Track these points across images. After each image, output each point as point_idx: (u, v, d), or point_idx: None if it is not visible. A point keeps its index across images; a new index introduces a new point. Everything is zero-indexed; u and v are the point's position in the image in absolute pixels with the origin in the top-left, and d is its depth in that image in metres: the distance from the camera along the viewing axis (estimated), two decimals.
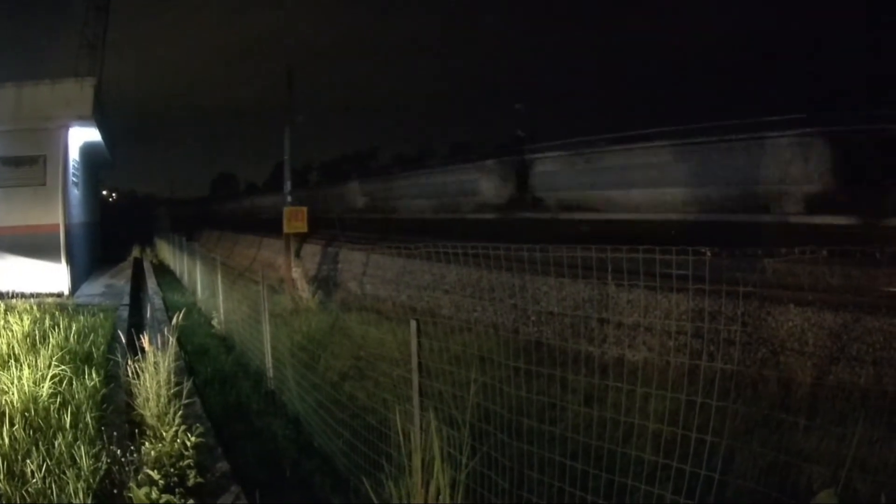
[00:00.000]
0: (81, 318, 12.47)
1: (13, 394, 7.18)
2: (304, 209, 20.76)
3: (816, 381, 8.27)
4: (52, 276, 19.43)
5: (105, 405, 7.74)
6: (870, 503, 4.91)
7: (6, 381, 7.53)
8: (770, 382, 8.47)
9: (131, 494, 5.43)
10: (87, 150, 25.04)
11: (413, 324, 5.12)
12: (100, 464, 5.77)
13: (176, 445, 6.34)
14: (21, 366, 8.14)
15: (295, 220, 20.32)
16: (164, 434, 6.54)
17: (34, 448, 5.92)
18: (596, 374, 6.51)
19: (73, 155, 22.05)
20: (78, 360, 9.20)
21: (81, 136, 22.35)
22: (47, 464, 5.60)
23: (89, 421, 6.70)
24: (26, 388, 7.37)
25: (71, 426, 6.51)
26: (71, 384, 7.82)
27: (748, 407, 6.93)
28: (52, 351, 9.08)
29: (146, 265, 32.02)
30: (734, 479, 5.07)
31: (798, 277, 10.45)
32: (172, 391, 7.61)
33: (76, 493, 5.25)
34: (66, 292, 19.49)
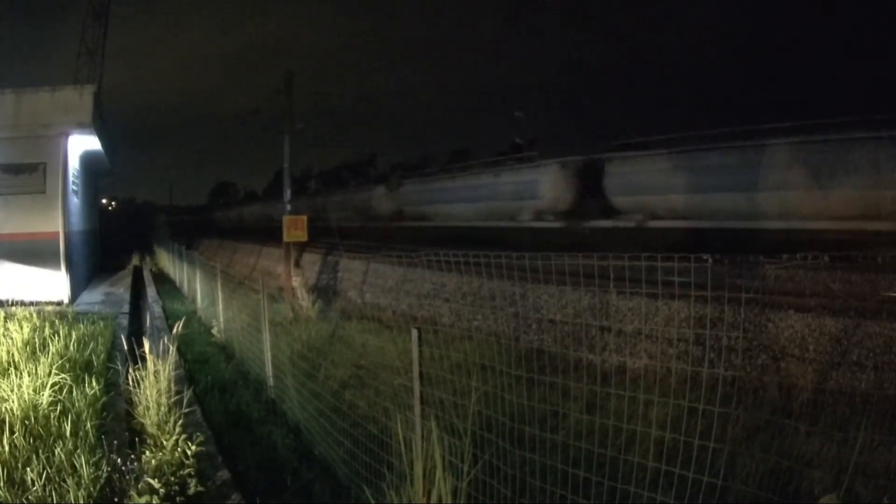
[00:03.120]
0: (81, 326, 12.45)
1: (13, 402, 7.15)
2: (304, 218, 20.74)
3: (818, 385, 8.28)
4: (51, 284, 19.38)
5: (105, 413, 7.72)
6: None
7: (6, 389, 7.51)
8: (770, 388, 8.47)
9: (132, 503, 5.42)
10: (87, 158, 25.04)
11: (414, 332, 5.11)
12: (100, 472, 5.75)
13: (176, 454, 6.32)
14: (21, 374, 8.11)
15: (294, 228, 20.30)
16: (165, 442, 6.52)
17: (34, 456, 5.90)
18: (598, 380, 6.50)
19: (73, 162, 22.04)
20: (78, 368, 9.18)
21: (81, 143, 22.32)
22: (47, 472, 5.58)
23: (89, 429, 6.68)
24: (26, 395, 7.35)
25: (71, 434, 6.49)
26: (71, 392, 7.80)
27: (749, 413, 6.91)
28: (52, 359, 9.04)
29: (146, 273, 32.00)
30: (737, 484, 5.06)
31: (799, 283, 10.48)
32: (173, 399, 7.60)
33: (76, 502, 5.23)
34: (66, 300, 19.44)
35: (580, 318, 11.17)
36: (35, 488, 5.31)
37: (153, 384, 7.63)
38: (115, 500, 5.62)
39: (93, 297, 21.69)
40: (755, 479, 5.41)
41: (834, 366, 8.50)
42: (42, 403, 7.30)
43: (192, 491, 5.89)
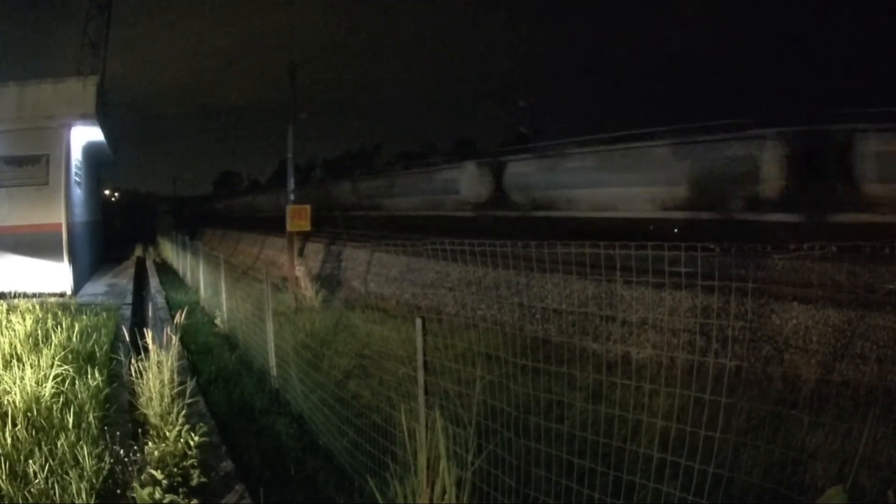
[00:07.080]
0: (84, 317, 12.43)
1: (15, 394, 7.14)
2: (308, 207, 20.72)
3: (822, 377, 8.23)
4: (54, 276, 19.39)
5: (108, 405, 7.69)
6: (878, 500, 4.87)
7: (8, 381, 7.49)
8: (774, 379, 8.43)
9: (134, 495, 5.40)
10: (90, 149, 25.01)
11: (419, 321, 5.07)
12: (103, 464, 5.73)
13: (179, 445, 6.30)
14: (23, 366, 8.09)
15: (298, 218, 20.29)
16: (168, 433, 6.50)
17: (37, 448, 5.88)
18: (604, 370, 6.46)
19: (76, 154, 22.03)
20: (81, 359, 9.15)
21: (84, 134, 22.30)
22: (50, 464, 5.55)
23: (92, 420, 6.67)
24: (29, 387, 7.33)
25: (74, 426, 6.46)
26: (74, 384, 7.77)
27: (753, 404, 6.87)
28: (55, 350, 9.03)
29: (149, 264, 32.01)
30: (741, 475, 5.03)
31: (803, 274, 10.41)
32: (176, 390, 7.57)
33: (79, 494, 5.21)
34: (69, 292, 19.46)
35: (584, 307, 11.11)
36: (37, 481, 5.29)
37: (156, 375, 7.61)
38: (118, 491, 5.61)
39: (96, 289, 21.70)
40: (760, 470, 5.38)
41: (838, 358, 8.45)
42: (44, 395, 7.28)
43: (195, 482, 5.87)
